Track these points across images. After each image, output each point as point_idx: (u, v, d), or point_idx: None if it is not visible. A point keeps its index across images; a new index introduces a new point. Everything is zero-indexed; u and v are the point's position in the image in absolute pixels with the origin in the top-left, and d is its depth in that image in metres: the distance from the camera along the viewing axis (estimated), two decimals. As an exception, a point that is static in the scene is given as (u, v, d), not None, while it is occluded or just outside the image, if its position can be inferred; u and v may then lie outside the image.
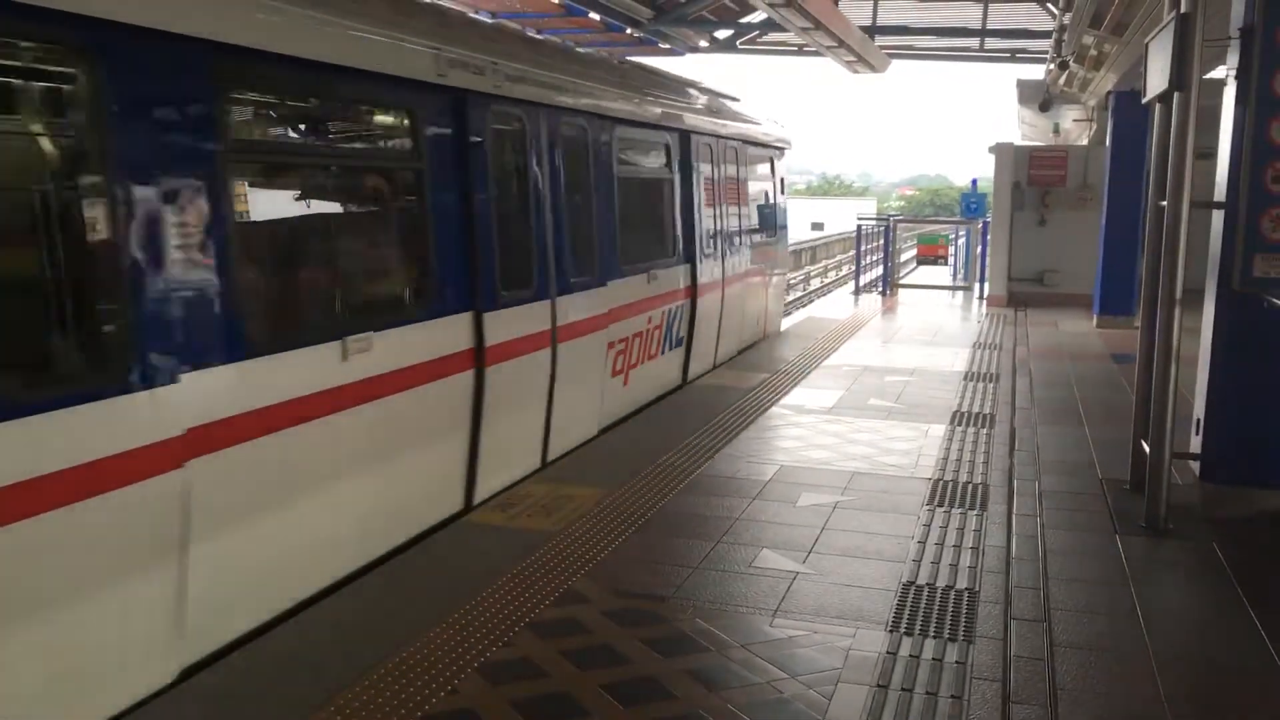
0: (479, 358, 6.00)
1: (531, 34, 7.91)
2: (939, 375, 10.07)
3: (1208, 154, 5.81)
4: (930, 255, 20.78)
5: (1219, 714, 3.76)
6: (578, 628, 4.31)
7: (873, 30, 18.48)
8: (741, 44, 20.34)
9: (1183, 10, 5.40)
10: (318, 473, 4.78)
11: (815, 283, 35.25)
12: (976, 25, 18.81)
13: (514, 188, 6.65)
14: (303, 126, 5.47)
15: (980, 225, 18.17)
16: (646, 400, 8.96)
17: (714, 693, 3.78)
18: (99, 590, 3.67)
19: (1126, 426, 6.60)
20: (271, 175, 5.00)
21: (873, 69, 18.41)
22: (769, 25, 17.70)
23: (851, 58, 16.84)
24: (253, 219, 4.67)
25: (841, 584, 4.83)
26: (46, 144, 3.82)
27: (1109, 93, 13.73)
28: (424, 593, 4.64)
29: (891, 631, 4.33)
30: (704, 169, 10.15)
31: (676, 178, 9.57)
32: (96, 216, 3.67)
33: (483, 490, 6.20)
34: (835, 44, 15.30)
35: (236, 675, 3.89)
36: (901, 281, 19.49)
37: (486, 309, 6.06)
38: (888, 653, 4.13)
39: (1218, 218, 5.75)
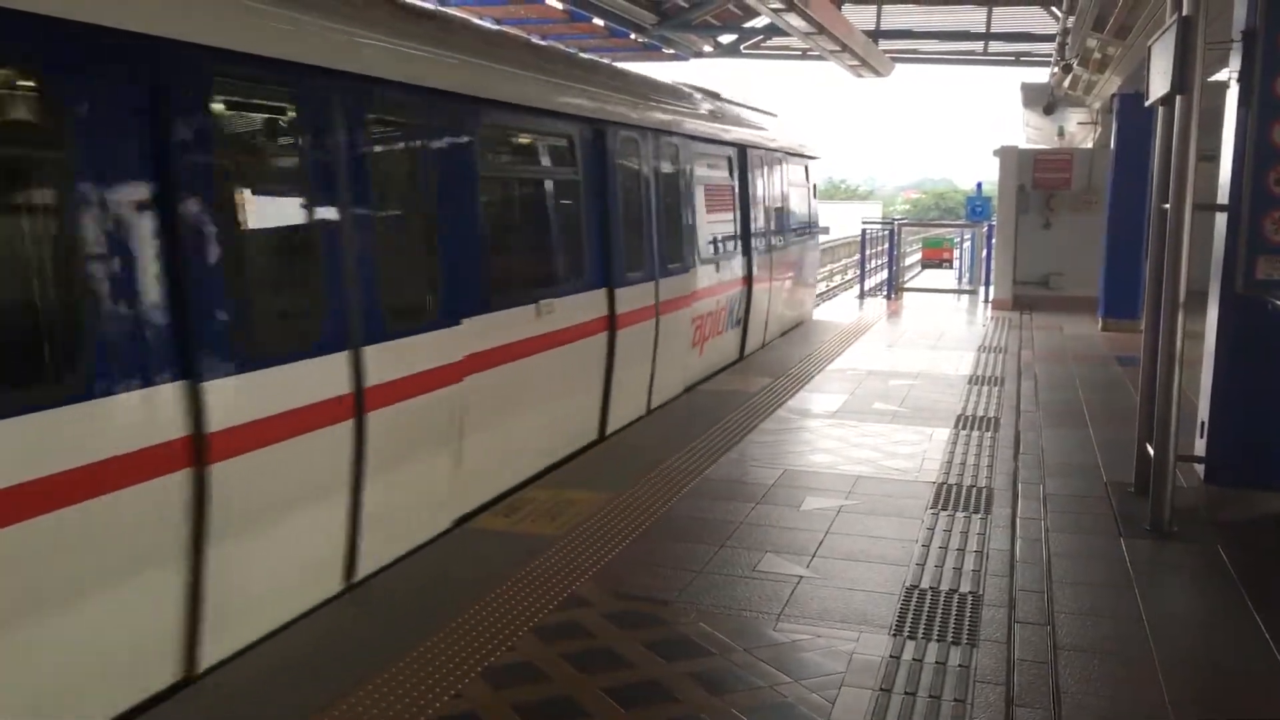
0: (612, 323, 7.91)
1: (620, 67, 9.31)
2: (944, 379, 10.06)
3: (1211, 157, 5.82)
4: (935, 259, 20.76)
5: (1224, 718, 3.75)
6: (581, 632, 4.31)
7: (876, 34, 18.51)
8: (745, 49, 20.37)
9: (1184, 13, 5.41)
10: (522, 396, 6.63)
11: (820, 286, 35.28)
12: (980, 29, 18.84)
13: (632, 194, 8.47)
14: (518, 153, 7.37)
15: (985, 228, 18.16)
16: (714, 369, 10.61)
17: (717, 696, 3.78)
18: (425, 451, 5.57)
19: (1131, 429, 6.59)
20: (505, 189, 7.06)
21: (877, 73, 18.43)
22: (773, 30, 17.73)
23: (855, 62, 16.86)
24: (492, 221, 6.60)
25: (845, 588, 4.83)
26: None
27: (1113, 95, 13.73)
28: (428, 597, 4.64)
29: (895, 635, 4.33)
30: (757, 177, 11.92)
31: (736, 185, 11.31)
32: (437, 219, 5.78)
33: (610, 426, 8.06)
34: (839, 48, 15.32)
35: (240, 680, 3.90)
36: (906, 285, 19.49)
37: (618, 285, 7.99)
38: (891, 656, 4.13)
39: (1221, 220, 5.75)
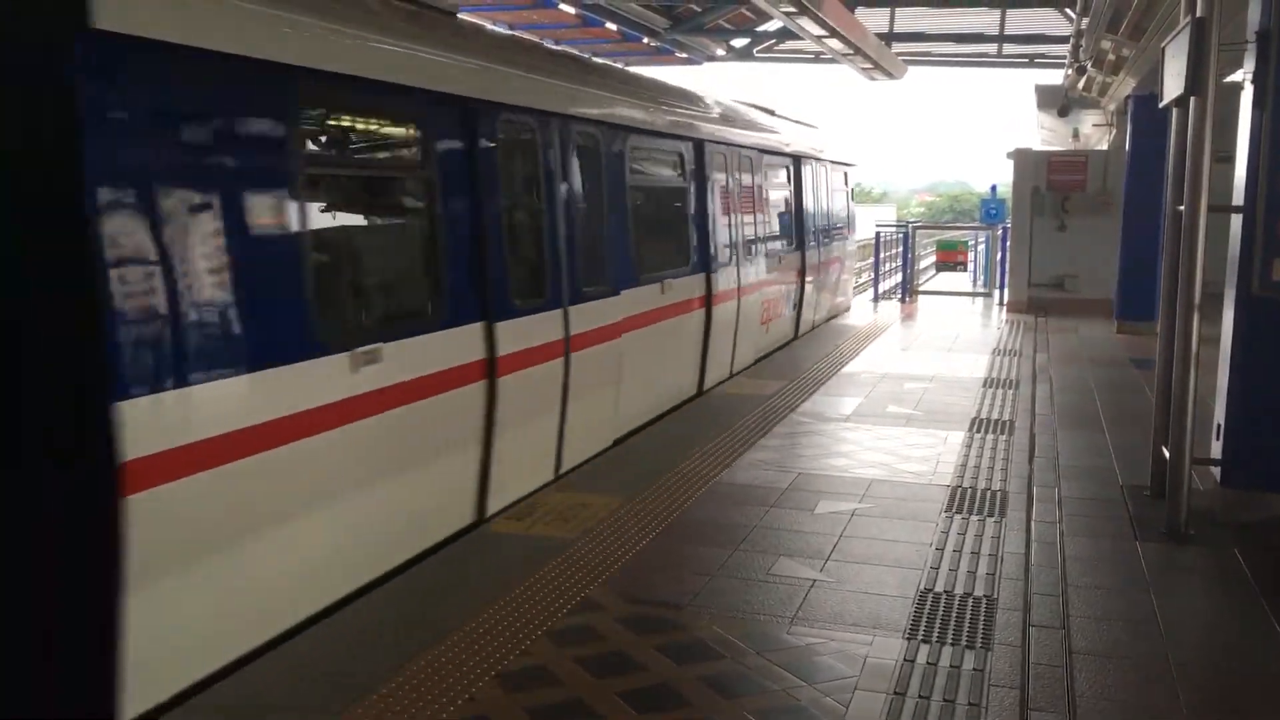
0: (708, 301, 9.54)
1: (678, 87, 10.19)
2: (958, 382, 10.04)
3: (1227, 158, 5.79)
4: (949, 261, 20.69)
5: (1240, 721, 3.73)
6: (594, 635, 4.32)
7: (889, 37, 18.48)
8: (758, 52, 20.36)
9: (1198, 15, 5.39)
10: (654, 353, 8.46)
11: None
12: (994, 31, 18.78)
13: (713, 197, 9.90)
14: (650, 167, 9.02)
15: (1000, 231, 18.11)
16: (775, 346, 12.34)
17: (730, 700, 3.78)
18: (603, 386, 7.56)
19: (1147, 432, 6.56)
20: (644, 195, 8.67)
21: (890, 76, 18.40)
22: (785, 33, 17.73)
23: (868, 65, 16.83)
24: (636, 219, 8.25)
25: (859, 591, 4.82)
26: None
27: (1128, 97, 13.67)
28: (441, 601, 4.66)
29: (909, 639, 4.32)
30: (808, 183, 13.58)
31: (792, 190, 12.91)
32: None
33: (707, 382, 9.76)
34: (851, 51, 15.30)
35: (255, 683, 3.92)
36: (921, 288, 19.44)
37: (712, 271, 9.67)
38: (905, 660, 4.12)
39: (1236, 222, 5.72)
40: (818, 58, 19.05)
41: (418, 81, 5.41)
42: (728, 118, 10.87)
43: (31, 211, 3.67)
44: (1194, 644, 4.34)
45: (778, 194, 12.73)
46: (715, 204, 10.10)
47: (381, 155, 5.86)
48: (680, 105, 9.56)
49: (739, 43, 20.03)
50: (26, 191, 3.65)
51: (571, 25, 16.52)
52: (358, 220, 5.61)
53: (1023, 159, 16.12)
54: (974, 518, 5.89)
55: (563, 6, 15.24)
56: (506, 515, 5.90)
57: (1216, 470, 5.99)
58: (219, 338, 4.07)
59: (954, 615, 4.55)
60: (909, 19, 18.83)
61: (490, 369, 6.00)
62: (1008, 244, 16.82)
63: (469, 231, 5.87)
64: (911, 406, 8.89)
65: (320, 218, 4.87)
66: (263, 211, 4.33)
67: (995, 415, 8.55)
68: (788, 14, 12.26)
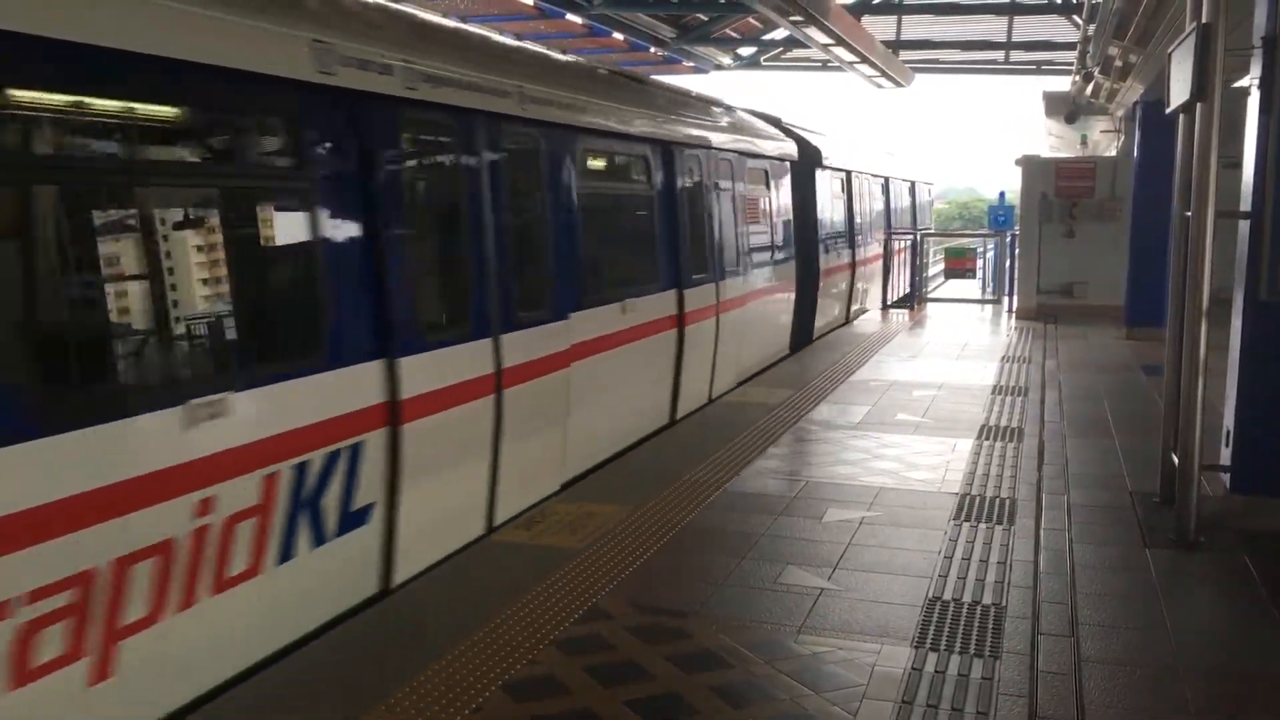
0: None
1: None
2: (967, 389, 10.02)
3: (1235, 163, 5.78)
4: (958, 269, 20.66)
5: (1250, 729, 3.72)
6: (602, 644, 4.32)
7: (896, 45, 18.51)
8: (765, 60, 20.42)
9: (1204, 20, 5.38)
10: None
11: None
12: (1001, 38, 18.80)
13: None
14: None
15: (1008, 238, 18.07)
16: (828, 329, 14.36)
17: (738, 709, 3.78)
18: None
19: (1157, 439, 6.53)
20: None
21: (897, 83, 18.41)
22: (792, 42, 17.76)
23: (875, 73, 16.85)
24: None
25: (867, 600, 4.82)
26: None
27: (1135, 103, 13.65)
28: (449, 611, 4.66)
29: (917, 647, 4.31)
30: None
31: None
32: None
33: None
34: (858, 59, 15.32)
35: (262, 695, 3.93)
36: (929, 295, 19.42)
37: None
38: (913, 669, 4.12)
39: (1244, 228, 5.71)
40: (825, 66, 19.09)
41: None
42: (871, 157, 13.83)
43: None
44: (1203, 651, 4.32)
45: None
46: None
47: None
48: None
49: (746, 51, 20.07)
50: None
51: (579, 35, 16.59)
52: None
53: (1031, 166, 16.09)
54: (983, 525, 5.87)
55: (570, 17, 15.30)
56: (514, 524, 5.91)
57: (1226, 476, 5.97)
58: (825, 248, 12.27)
59: (962, 623, 4.54)
60: (916, 26, 18.87)
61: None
62: (1016, 251, 16.79)
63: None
64: (920, 414, 8.88)
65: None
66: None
67: (1004, 422, 8.53)
68: (794, 23, 12.29)
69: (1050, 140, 25.23)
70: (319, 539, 4.65)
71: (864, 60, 15.68)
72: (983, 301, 18.70)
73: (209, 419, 4.02)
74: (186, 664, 4.00)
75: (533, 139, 6.59)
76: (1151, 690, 3.97)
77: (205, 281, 4.48)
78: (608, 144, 7.87)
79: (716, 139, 10.07)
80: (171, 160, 4.26)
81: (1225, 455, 6.00)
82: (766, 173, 11.95)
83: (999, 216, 19.97)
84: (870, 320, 16.11)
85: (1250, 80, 5.69)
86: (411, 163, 5.59)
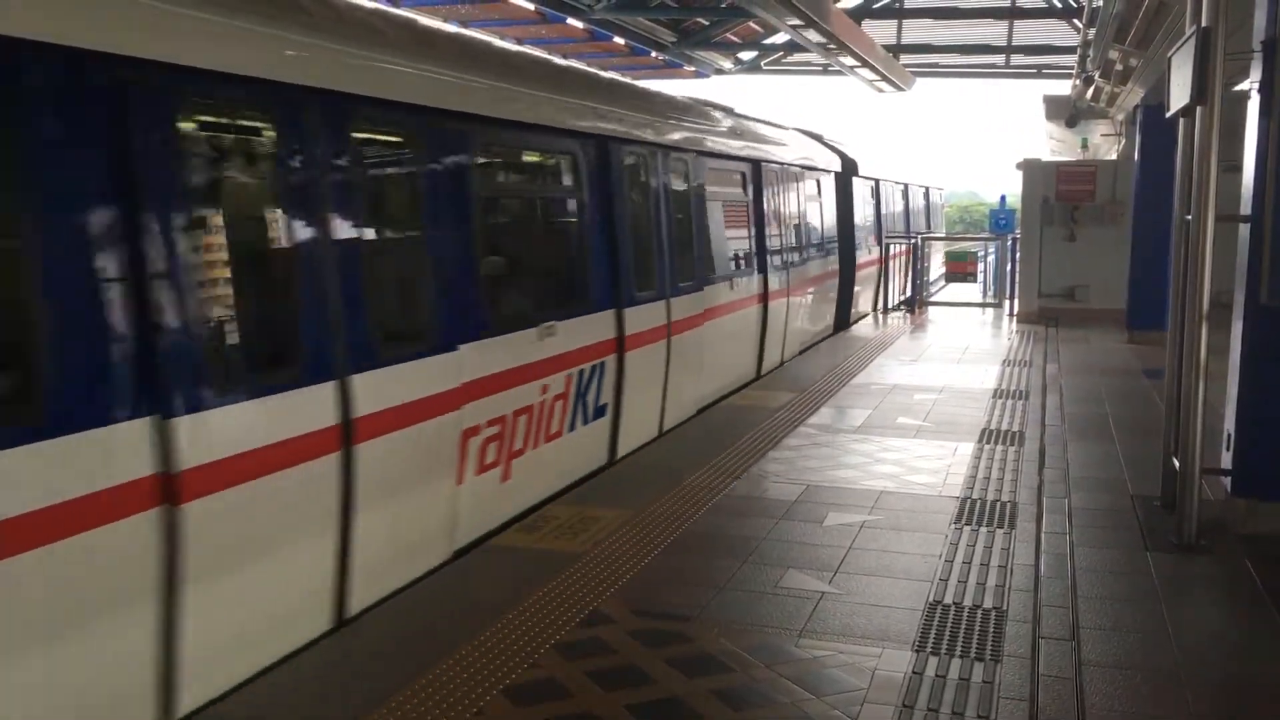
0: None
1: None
2: (968, 393, 10.02)
3: (1235, 167, 5.78)
4: (959, 272, 20.67)
5: (1251, 733, 3.71)
6: (603, 648, 4.32)
7: (897, 49, 18.53)
8: (766, 65, 20.44)
9: (1204, 24, 5.39)
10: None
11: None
12: (1001, 42, 18.82)
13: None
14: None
15: (1009, 241, 18.08)
16: (859, 318, 16.52)
17: (739, 713, 3.78)
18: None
19: (1158, 442, 6.53)
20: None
21: (897, 88, 18.43)
22: (793, 46, 17.77)
23: (875, 77, 16.86)
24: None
25: (868, 604, 4.82)
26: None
27: (1136, 107, 13.66)
28: (450, 614, 4.67)
29: (918, 651, 4.31)
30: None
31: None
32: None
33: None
34: (859, 64, 15.33)
35: (261, 702, 3.93)
36: (930, 299, 19.42)
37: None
38: (914, 673, 4.11)
39: (1244, 231, 5.71)
40: (825, 70, 19.11)
41: None
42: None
43: None
44: (1205, 655, 4.31)
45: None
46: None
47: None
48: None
49: (747, 55, 20.09)
50: None
51: (580, 40, 16.61)
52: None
53: (1031, 169, 16.10)
54: (984, 529, 5.87)
55: (571, 21, 15.32)
56: (514, 529, 5.91)
57: (1227, 480, 5.97)
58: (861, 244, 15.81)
59: (963, 627, 4.54)
60: (916, 31, 18.88)
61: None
62: (1017, 254, 16.79)
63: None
64: (921, 418, 8.88)
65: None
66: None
67: (1005, 426, 8.53)
68: (794, 27, 12.31)
69: (1051, 144, 25.23)
70: (585, 421, 7.21)
71: (864, 64, 15.70)
72: (984, 305, 18.70)
73: (548, 336, 6.55)
74: (537, 481, 6.52)
75: (684, 163, 9.21)
76: (1152, 694, 3.96)
77: (549, 255, 7.57)
78: (723, 163, 10.43)
79: (788, 155, 12.77)
80: (554, 184, 7.44)
81: (1226, 459, 5.99)
82: (819, 181, 14.41)
83: (1000, 220, 19.96)
84: (871, 324, 16.11)
85: (1250, 84, 5.69)
86: (626, 174, 7.99)
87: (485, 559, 5.43)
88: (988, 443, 7.94)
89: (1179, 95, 5.80)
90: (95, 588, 3.56)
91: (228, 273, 4.23)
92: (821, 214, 14.35)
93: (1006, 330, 15.22)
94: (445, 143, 5.65)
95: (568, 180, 7.31)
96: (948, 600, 4.84)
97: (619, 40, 16.80)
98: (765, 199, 11.49)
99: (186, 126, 4.07)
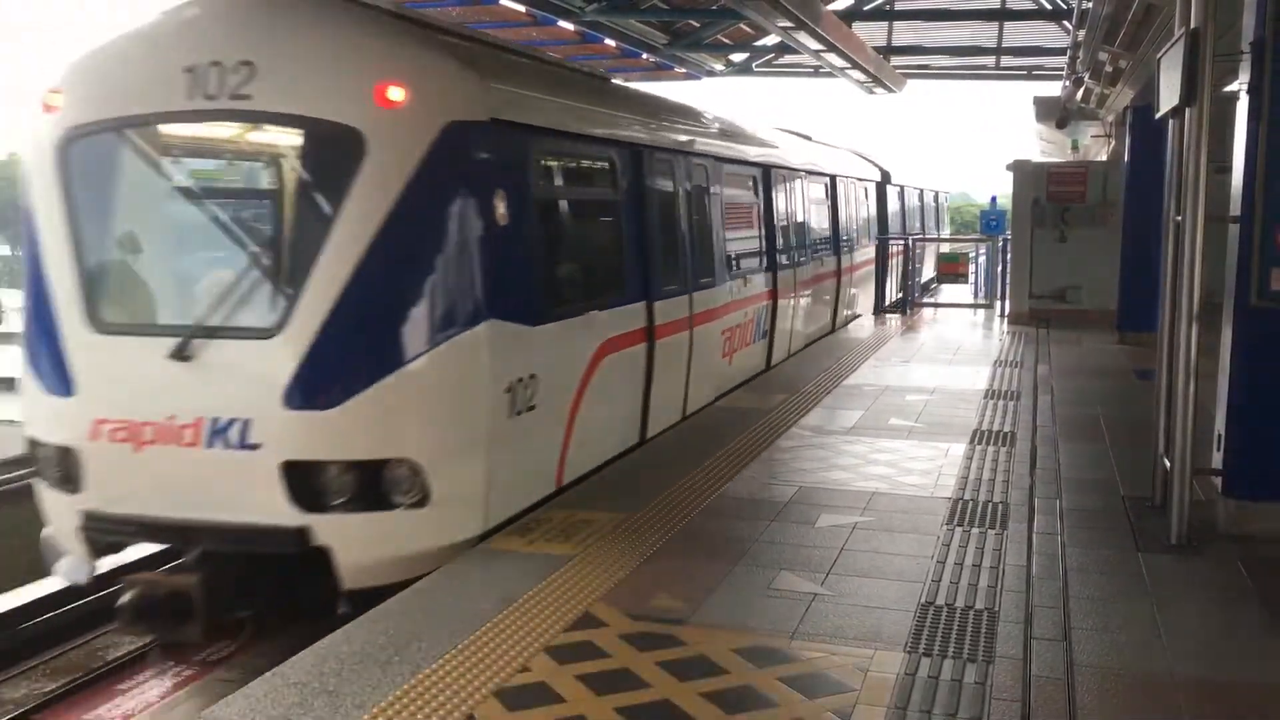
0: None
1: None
2: (960, 394, 10.03)
3: (1225, 168, 5.79)
4: (951, 273, 20.71)
5: (1243, 733, 3.72)
6: (595, 651, 4.31)
7: (888, 51, 18.53)
8: (757, 67, 20.45)
9: (1193, 26, 5.41)
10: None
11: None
12: (992, 44, 18.84)
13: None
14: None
15: (1000, 242, 18.11)
16: (890, 301, 18.68)
17: (731, 716, 3.78)
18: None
19: (1149, 443, 6.55)
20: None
21: (888, 89, 18.46)
22: (784, 48, 17.79)
23: (866, 79, 16.88)
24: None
25: (860, 605, 4.81)
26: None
27: (1126, 108, 13.70)
28: (441, 617, 4.65)
29: (910, 652, 4.31)
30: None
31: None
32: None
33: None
34: (850, 65, 15.35)
35: (252, 705, 3.91)
36: (922, 300, 19.45)
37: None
38: (906, 674, 4.11)
39: (1234, 232, 5.73)
40: (816, 72, 19.12)
41: None
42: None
43: None
44: (1196, 655, 4.32)
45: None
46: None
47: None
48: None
49: (738, 57, 20.10)
50: None
51: (572, 42, 16.59)
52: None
53: (1022, 171, 16.13)
54: (975, 530, 5.88)
55: (563, 23, 15.31)
56: (507, 531, 5.89)
57: (1218, 480, 5.99)
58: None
59: (955, 628, 4.54)
60: (907, 32, 18.90)
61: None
62: (1008, 256, 16.83)
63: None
64: (913, 419, 8.88)
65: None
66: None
67: (997, 427, 8.54)
68: (785, 29, 12.31)
69: (1042, 145, 25.32)
70: (754, 341, 11.08)
71: (855, 66, 15.73)
72: (975, 306, 18.73)
73: (745, 285, 10.60)
74: (737, 373, 10.43)
75: (785, 176, 12.71)
76: (1143, 695, 3.97)
77: (737, 236, 10.86)
78: (810, 179, 14.04)
79: (851, 171, 17.14)
80: (746, 194, 11.56)
81: (1217, 459, 6.01)
82: (866, 189, 18.53)
83: (991, 221, 20.01)
84: (863, 325, 16.13)
85: (1239, 85, 5.71)
86: (779, 189, 12.44)
87: (477, 561, 5.42)
88: (979, 444, 7.95)
89: (1168, 97, 5.82)
90: (633, 369, 7.76)
91: (673, 235, 8.79)
92: (869, 215, 18.94)
93: (998, 331, 15.25)
94: (688, 167, 9.29)
95: (747, 193, 11.48)
96: (940, 601, 4.84)
97: (610, 42, 16.80)
98: (839, 204, 15.76)
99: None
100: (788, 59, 19.77)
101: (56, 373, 5.77)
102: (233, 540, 5.51)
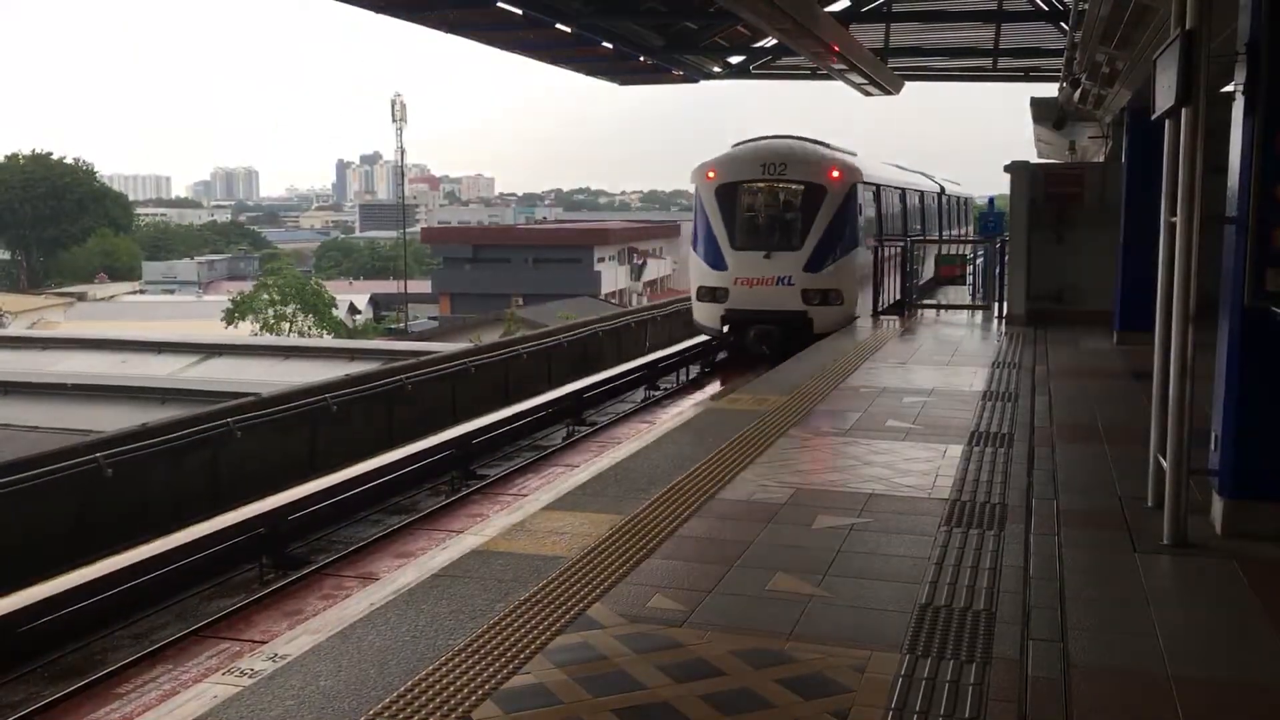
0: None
1: None
2: (957, 395, 10.04)
3: (1221, 169, 5.80)
4: (949, 275, 20.77)
5: (1239, 733, 3.72)
6: (592, 653, 4.32)
7: (885, 53, 18.54)
8: (755, 69, 20.45)
9: (1188, 26, 5.41)
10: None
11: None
12: (989, 45, 18.85)
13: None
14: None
15: (998, 244, 18.12)
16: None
17: (728, 718, 3.78)
18: None
19: (1146, 444, 6.55)
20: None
21: (886, 91, 18.47)
22: (781, 50, 17.80)
23: (864, 80, 16.90)
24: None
25: (857, 606, 4.82)
26: None
27: (1123, 109, 13.71)
28: (438, 620, 4.65)
29: (907, 654, 4.31)
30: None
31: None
32: None
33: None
34: (847, 67, 15.35)
35: (249, 709, 3.91)
36: (920, 301, 19.47)
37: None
38: (904, 675, 4.11)
39: (1230, 233, 5.73)
40: (814, 74, 19.14)
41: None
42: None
43: None
44: (1193, 655, 4.32)
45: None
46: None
47: None
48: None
49: (735, 60, 20.11)
50: None
51: (567, 44, 16.60)
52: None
53: (1020, 172, 16.13)
54: (973, 531, 5.88)
55: (559, 26, 15.32)
56: (504, 533, 5.89)
57: (1214, 481, 5.99)
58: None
59: (953, 629, 4.54)
60: (905, 34, 18.90)
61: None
62: (1006, 257, 16.83)
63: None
64: (910, 420, 8.89)
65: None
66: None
67: (994, 428, 8.54)
68: (782, 30, 12.32)
69: (1039, 146, 25.35)
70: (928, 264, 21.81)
71: (853, 68, 15.75)
72: (973, 307, 18.74)
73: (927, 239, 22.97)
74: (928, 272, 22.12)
75: (923, 194, 23.85)
76: (1140, 695, 3.97)
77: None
78: (926, 196, 24.26)
79: (935, 187, 26.17)
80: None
81: (1214, 459, 6.01)
82: (936, 197, 26.28)
83: (989, 222, 20.02)
84: (861, 326, 16.14)
85: (1235, 86, 5.72)
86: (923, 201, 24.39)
87: (473, 563, 5.42)
88: (977, 445, 7.96)
89: (1164, 98, 5.82)
90: (896, 266, 18.85)
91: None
92: (941, 217, 27.33)
93: (996, 332, 15.26)
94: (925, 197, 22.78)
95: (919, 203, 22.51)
96: (937, 602, 4.85)
97: (606, 45, 16.80)
98: (941, 211, 25.20)
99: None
100: (785, 61, 19.78)
101: (717, 262, 16.51)
102: (781, 319, 16.06)
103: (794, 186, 16.56)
